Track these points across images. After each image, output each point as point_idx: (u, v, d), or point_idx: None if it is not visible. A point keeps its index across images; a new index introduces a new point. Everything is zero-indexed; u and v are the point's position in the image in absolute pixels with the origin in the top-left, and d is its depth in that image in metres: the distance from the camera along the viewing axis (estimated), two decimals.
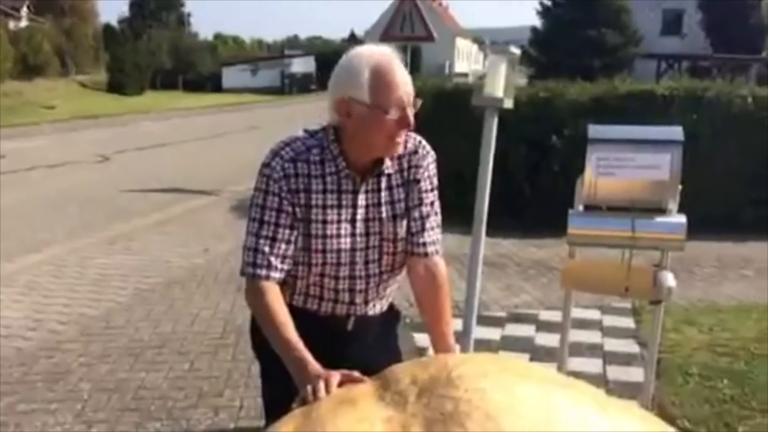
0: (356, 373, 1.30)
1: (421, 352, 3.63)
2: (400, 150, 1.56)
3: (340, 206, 1.54)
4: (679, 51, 24.48)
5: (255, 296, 1.51)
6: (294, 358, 1.40)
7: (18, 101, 24.04)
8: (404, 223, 1.60)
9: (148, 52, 36.91)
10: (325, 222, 1.53)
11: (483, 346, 3.64)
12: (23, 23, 36.75)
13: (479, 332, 3.51)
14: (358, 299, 1.61)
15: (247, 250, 1.54)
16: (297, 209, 1.52)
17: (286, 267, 1.53)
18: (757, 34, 24.77)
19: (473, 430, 1.03)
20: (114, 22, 43.61)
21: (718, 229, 5.55)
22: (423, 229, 1.63)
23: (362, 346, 1.65)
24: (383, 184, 1.58)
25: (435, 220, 1.66)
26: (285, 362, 1.42)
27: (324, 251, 1.54)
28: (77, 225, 6.93)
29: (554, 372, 1.27)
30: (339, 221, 1.54)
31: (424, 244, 1.63)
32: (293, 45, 63.93)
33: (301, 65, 40.57)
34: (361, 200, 1.56)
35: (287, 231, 1.52)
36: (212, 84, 38.16)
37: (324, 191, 1.53)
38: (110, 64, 33.38)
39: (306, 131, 1.60)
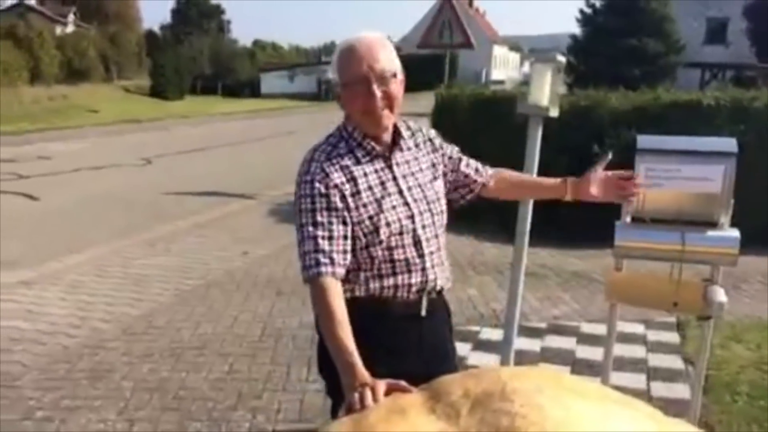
0: (403, 383, 1.28)
1: (461, 361, 3.63)
2: (388, 124, 1.64)
3: (383, 183, 1.64)
4: (723, 60, 23.91)
5: (319, 293, 1.49)
6: (345, 362, 1.39)
7: (63, 105, 24.78)
8: (440, 186, 1.76)
9: (189, 58, 37.69)
10: (377, 200, 1.61)
11: (523, 357, 3.59)
12: (69, 29, 37.87)
13: (519, 343, 3.47)
14: (428, 263, 1.68)
15: (306, 254, 1.53)
16: (349, 200, 1.59)
17: (347, 262, 1.56)
18: None
19: None
20: (156, 29, 44.67)
21: (765, 243, 5.38)
22: (472, 164, 1.88)
23: (436, 334, 1.75)
24: (409, 156, 1.71)
25: (464, 157, 1.89)
26: (335, 363, 1.42)
27: (388, 224, 1.62)
28: (119, 226, 7.08)
29: (610, 389, 1.23)
30: (389, 195, 1.63)
31: (482, 169, 1.89)
32: (330, 51, 64.39)
33: None
34: (398, 172, 1.67)
35: (342, 227, 1.56)
36: (250, 89, 38.75)
37: (365, 174, 1.63)
38: (152, 69, 34.14)
39: (324, 139, 1.70)
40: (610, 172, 1.85)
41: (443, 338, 1.80)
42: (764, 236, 5.36)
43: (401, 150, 1.70)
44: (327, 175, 1.58)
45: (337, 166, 1.60)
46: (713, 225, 2.63)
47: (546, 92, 2.83)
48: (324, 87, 39.33)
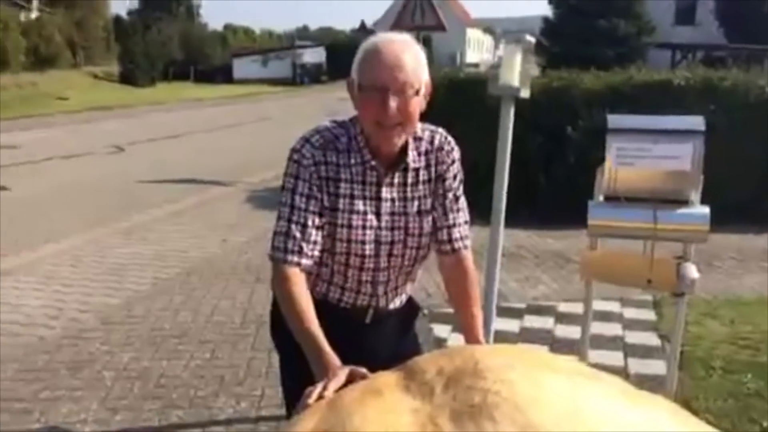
0: (364, 370, 1.28)
1: (439, 343, 3.67)
2: (397, 142, 1.51)
3: (365, 198, 1.54)
4: (692, 41, 24.18)
5: (283, 282, 1.49)
6: (313, 347, 1.39)
7: (32, 92, 24.22)
8: (430, 219, 1.60)
9: (159, 43, 37.00)
10: (351, 212, 1.53)
11: (502, 337, 3.64)
12: (34, 14, 36.88)
13: (498, 324, 3.51)
14: (380, 291, 1.63)
15: (278, 234, 1.52)
16: (325, 197, 1.52)
17: (316, 253, 1.52)
18: None
19: (502, 422, 1.02)
20: (124, 14, 43.75)
21: (737, 220, 5.50)
22: (452, 225, 1.63)
23: (380, 338, 1.67)
24: (410, 179, 1.58)
25: (463, 215, 1.66)
26: (304, 350, 1.41)
27: (349, 241, 1.55)
28: (93, 215, 6.98)
29: (582, 364, 1.26)
30: (365, 212, 1.54)
31: (454, 240, 1.63)
32: (303, 36, 63.85)
33: (312, 56, 40.54)
34: (386, 193, 1.56)
35: (317, 218, 1.51)
36: (223, 75, 38.21)
37: (351, 181, 1.54)
38: (121, 55, 33.50)
39: (334, 121, 1.60)
40: None
41: (392, 342, 1.71)
42: (736, 213, 5.49)
43: (402, 171, 1.57)
44: (315, 163, 1.52)
45: (327, 159, 1.53)
46: (684, 202, 2.68)
47: (516, 73, 2.83)
48: (299, 72, 39.02)
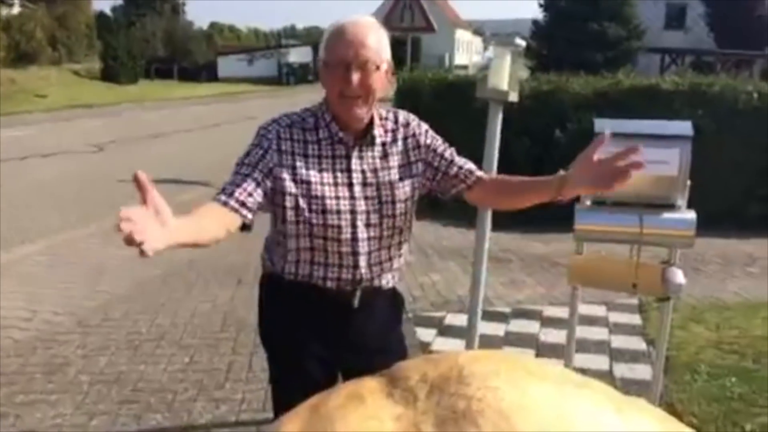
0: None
1: (424, 347, 3.63)
2: (361, 114, 1.59)
3: (334, 170, 1.61)
4: (682, 45, 24.45)
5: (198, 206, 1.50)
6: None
7: (11, 89, 23.84)
8: (403, 187, 1.67)
9: (142, 40, 36.68)
10: (322, 184, 1.60)
11: (487, 341, 3.61)
12: (15, 10, 36.43)
13: (483, 328, 3.48)
14: (362, 262, 1.65)
15: (227, 184, 1.58)
16: (293, 171, 1.58)
17: (248, 203, 1.53)
18: (761, 28, 24.60)
19: (486, 429, 1.00)
20: (107, 10, 43.35)
21: (723, 225, 5.53)
22: (464, 165, 1.74)
23: (368, 326, 1.72)
24: (377, 152, 1.65)
25: (464, 160, 1.76)
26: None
27: (324, 212, 1.60)
28: (72, 215, 6.86)
29: (568, 371, 1.25)
30: (336, 184, 1.61)
31: (473, 171, 1.74)
32: (290, 35, 63.74)
33: (299, 55, 40.45)
34: (355, 165, 1.63)
35: (260, 175, 1.56)
36: (208, 73, 37.99)
37: (319, 156, 1.61)
38: (104, 52, 33.12)
39: (305, 108, 1.69)
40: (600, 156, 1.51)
41: (380, 332, 1.76)
42: (722, 218, 5.52)
43: (370, 144, 1.65)
44: (278, 138, 1.60)
45: (294, 136, 1.61)
46: (671, 207, 2.66)
47: (505, 77, 2.81)
48: (285, 71, 38.90)
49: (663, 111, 5.13)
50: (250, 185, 1.54)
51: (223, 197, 1.52)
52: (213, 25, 58.24)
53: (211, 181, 8.74)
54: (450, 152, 1.75)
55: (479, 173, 1.75)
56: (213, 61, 40.30)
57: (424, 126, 1.74)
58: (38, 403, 3.03)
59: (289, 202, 1.59)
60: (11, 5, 35.50)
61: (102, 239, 5.96)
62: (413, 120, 1.73)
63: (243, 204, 1.52)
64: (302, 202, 1.59)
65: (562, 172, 1.58)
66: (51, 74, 29.19)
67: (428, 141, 1.72)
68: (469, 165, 1.75)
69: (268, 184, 1.57)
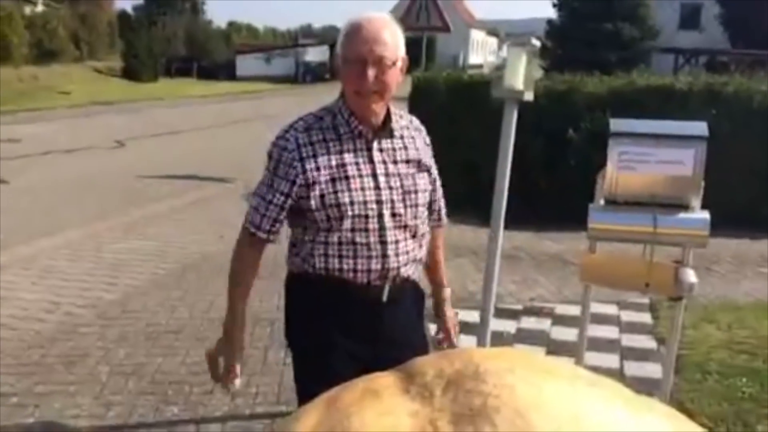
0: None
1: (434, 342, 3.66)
2: (377, 109, 1.66)
3: (358, 163, 1.66)
4: (697, 45, 24.17)
5: (242, 249, 1.77)
6: (235, 323, 1.83)
7: (34, 86, 24.20)
8: (422, 178, 1.75)
9: (163, 39, 36.98)
10: (347, 178, 1.64)
11: (499, 338, 3.64)
12: (39, 8, 36.89)
13: (495, 325, 3.50)
14: (390, 251, 1.68)
15: (253, 209, 1.72)
16: (311, 173, 1.64)
17: (273, 230, 1.72)
18: None
19: (502, 426, 1.02)
20: (129, 9, 43.74)
21: (736, 225, 5.49)
22: (438, 200, 1.90)
23: (396, 322, 1.76)
24: (397, 144, 1.72)
25: (439, 187, 1.90)
26: (227, 318, 1.83)
27: (352, 203, 1.64)
28: (93, 210, 6.97)
29: (582, 369, 1.27)
30: (360, 176, 1.66)
31: (440, 210, 1.92)
32: (307, 34, 63.77)
33: (316, 54, 40.48)
34: (377, 157, 1.68)
35: (282, 198, 1.67)
36: (226, 72, 38.16)
37: (341, 151, 1.66)
38: (125, 50, 33.44)
39: (321, 108, 1.75)
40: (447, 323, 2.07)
41: (406, 326, 1.80)
42: (735, 218, 5.48)
43: (389, 136, 1.70)
44: (298, 146, 1.64)
45: (312, 138, 1.65)
46: (685, 207, 2.67)
47: (521, 76, 2.82)
48: (302, 70, 38.99)
49: (677, 111, 5.10)
50: (273, 211, 1.69)
51: (262, 234, 1.71)
52: (231, 24, 58.46)
53: (229, 177, 8.84)
54: (437, 179, 1.86)
55: (444, 220, 1.95)
56: (231, 59, 40.49)
57: (424, 131, 1.84)
58: (57, 393, 3.11)
59: (316, 201, 1.64)
60: (35, 4, 35.98)
61: (122, 233, 6.07)
62: (423, 130, 1.83)
63: (269, 232, 1.72)
64: (329, 198, 1.63)
65: (448, 292, 2.08)
66: (73, 72, 29.55)
67: (430, 157, 1.81)
68: (443, 203, 1.93)
69: (291, 200, 1.67)
